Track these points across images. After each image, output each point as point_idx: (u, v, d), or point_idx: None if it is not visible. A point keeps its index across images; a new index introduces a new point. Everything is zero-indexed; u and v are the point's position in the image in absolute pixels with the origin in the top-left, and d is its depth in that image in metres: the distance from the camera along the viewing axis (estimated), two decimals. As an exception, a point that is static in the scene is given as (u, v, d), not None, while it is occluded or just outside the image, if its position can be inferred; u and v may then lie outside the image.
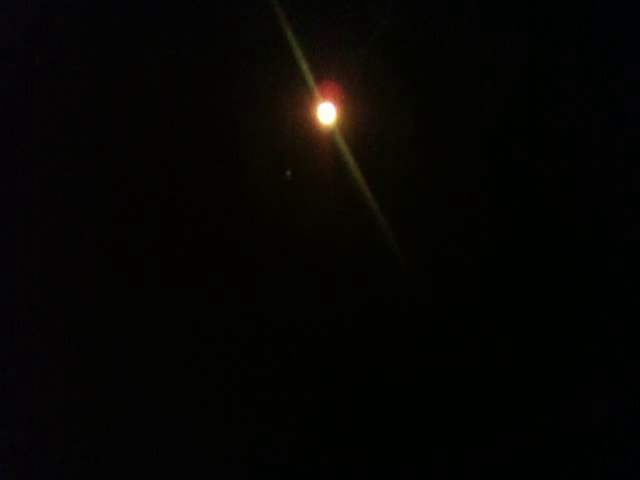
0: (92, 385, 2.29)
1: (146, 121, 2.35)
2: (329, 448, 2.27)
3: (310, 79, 2.31)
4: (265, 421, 2.28)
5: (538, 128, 2.34)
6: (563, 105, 2.34)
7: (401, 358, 2.29)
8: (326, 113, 2.34)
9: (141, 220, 2.33)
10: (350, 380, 2.29)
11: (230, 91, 2.35)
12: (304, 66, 2.30)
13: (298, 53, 2.29)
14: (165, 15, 2.37)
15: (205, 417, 2.27)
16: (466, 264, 2.31)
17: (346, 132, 2.34)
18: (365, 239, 2.31)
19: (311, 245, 2.31)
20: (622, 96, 2.33)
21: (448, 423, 2.26)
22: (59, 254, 2.32)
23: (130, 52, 2.35)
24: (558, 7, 2.35)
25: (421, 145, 2.34)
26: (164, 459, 2.28)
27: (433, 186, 2.33)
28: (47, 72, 2.37)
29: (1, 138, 2.36)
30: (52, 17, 2.38)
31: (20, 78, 2.37)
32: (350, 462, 2.26)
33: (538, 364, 2.27)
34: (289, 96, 2.33)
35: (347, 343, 2.30)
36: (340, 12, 2.35)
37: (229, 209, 2.33)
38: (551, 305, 2.29)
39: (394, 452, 2.26)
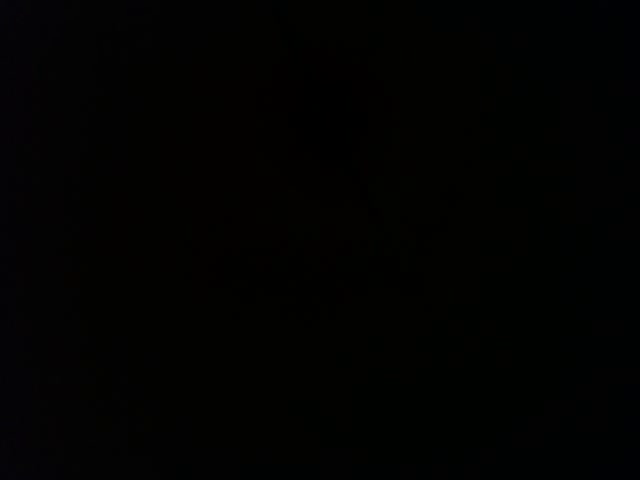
0: (92, 385, 2.29)
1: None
2: (329, 448, 2.27)
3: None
4: (265, 421, 2.28)
5: (538, 128, 2.34)
6: (563, 105, 2.34)
7: (401, 358, 2.29)
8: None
9: (140, 218, 2.33)
10: (350, 380, 2.29)
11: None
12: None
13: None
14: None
15: (204, 417, 2.28)
16: (465, 264, 2.31)
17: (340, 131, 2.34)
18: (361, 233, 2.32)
19: (309, 241, 2.32)
20: (622, 96, 2.33)
21: (448, 423, 2.27)
22: (56, 252, 2.32)
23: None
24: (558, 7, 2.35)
25: (419, 144, 2.34)
26: (164, 459, 2.28)
27: (431, 182, 2.33)
28: (46, 71, 2.37)
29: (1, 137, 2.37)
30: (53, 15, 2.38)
31: (18, 77, 2.38)
32: (350, 462, 2.27)
33: (538, 364, 2.27)
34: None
35: (347, 342, 2.30)
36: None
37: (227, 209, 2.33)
38: (551, 305, 2.29)
39: (394, 452, 2.27)
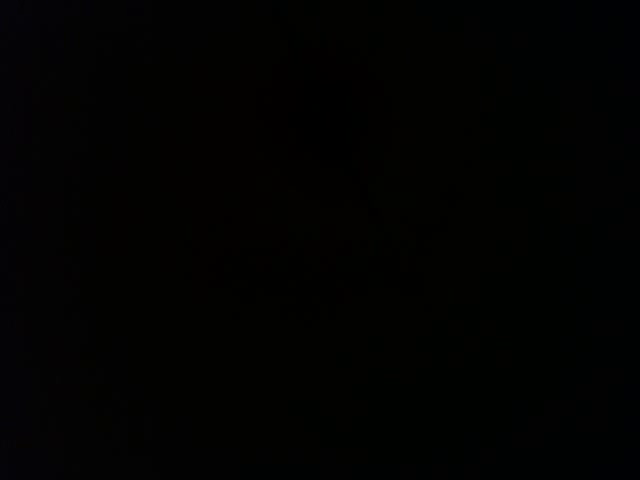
0: (92, 385, 2.29)
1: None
2: (329, 448, 2.27)
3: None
4: (265, 421, 2.28)
5: (538, 128, 2.34)
6: (563, 105, 2.34)
7: (401, 358, 2.29)
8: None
9: (140, 218, 2.33)
10: (350, 380, 2.29)
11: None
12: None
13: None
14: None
15: (204, 417, 2.28)
16: (465, 264, 2.31)
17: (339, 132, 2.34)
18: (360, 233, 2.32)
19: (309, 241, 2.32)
20: (622, 96, 2.33)
21: (448, 423, 2.26)
22: (56, 252, 2.32)
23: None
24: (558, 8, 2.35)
25: (417, 145, 2.34)
26: (164, 459, 2.28)
27: (431, 182, 2.33)
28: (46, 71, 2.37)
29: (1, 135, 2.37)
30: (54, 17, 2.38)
31: (18, 77, 2.38)
32: (350, 462, 2.27)
33: (538, 364, 2.27)
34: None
35: (347, 342, 2.30)
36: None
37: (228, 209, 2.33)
38: (551, 305, 2.29)
39: (394, 452, 2.26)
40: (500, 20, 2.35)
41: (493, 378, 2.27)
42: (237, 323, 2.30)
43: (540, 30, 2.35)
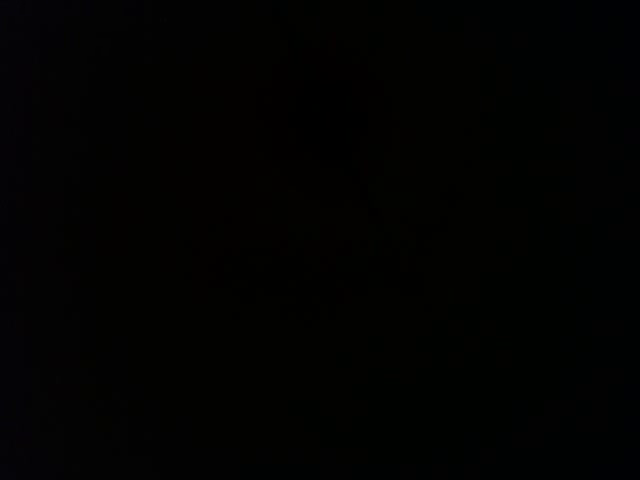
0: (92, 385, 2.29)
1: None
2: (329, 448, 2.27)
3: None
4: (265, 421, 2.28)
5: (538, 128, 2.34)
6: (563, 105, 2.34)
7: (401, 358, 2.29)
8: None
9: (140, 218, 2.33)
10: (350, 380, 2.29)
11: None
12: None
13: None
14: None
15: (204, 417, 2.28)
16: (465, 264, 2.31)
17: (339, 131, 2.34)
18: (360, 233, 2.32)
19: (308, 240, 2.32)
20: (622, 96, 2.33)
21: (448, 423, 2.26)
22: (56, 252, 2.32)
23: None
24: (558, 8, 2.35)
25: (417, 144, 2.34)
26: (164, 459, 2.28)
27: (431, 182, 2.33)
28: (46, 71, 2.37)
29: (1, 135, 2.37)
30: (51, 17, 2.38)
31: (18, 77, 2.38)
32: (350, 462, 2.27)
33: (538, 364, 2.27)
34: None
35: (347, 342, 2.30)
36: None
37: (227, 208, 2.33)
38: (551, 305, 2.29)
39: (394, 452, 2.26)
40: (500, 20, 2.35)
41: (493, 378, 2.27)
42: (237, 323, 2.30)
43: (540, 30, 2.35)
